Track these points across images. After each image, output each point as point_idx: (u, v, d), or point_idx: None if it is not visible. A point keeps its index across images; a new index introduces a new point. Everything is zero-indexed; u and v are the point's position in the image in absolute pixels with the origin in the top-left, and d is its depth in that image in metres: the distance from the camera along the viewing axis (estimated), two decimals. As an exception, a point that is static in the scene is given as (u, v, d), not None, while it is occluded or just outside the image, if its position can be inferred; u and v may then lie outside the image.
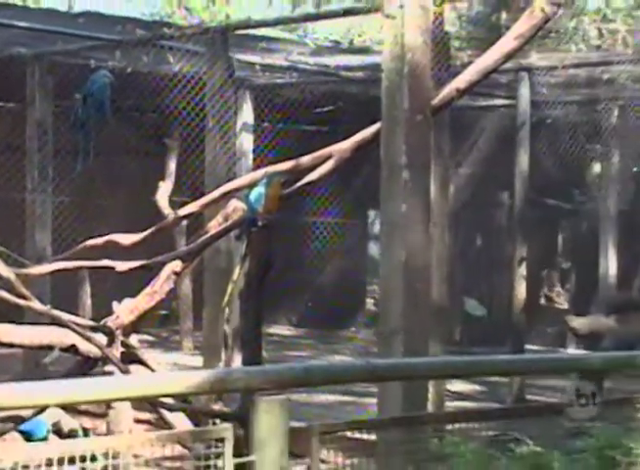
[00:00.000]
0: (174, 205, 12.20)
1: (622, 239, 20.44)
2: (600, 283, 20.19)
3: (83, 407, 9.22)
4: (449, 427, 7.00)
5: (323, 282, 22.26)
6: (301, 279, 21.24)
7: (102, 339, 9.41)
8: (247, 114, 17.21)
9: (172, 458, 6.43)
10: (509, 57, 8.77)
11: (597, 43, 19.64)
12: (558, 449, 5.94)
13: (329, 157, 9.23)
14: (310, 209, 18.86)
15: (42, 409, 8.59)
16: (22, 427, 9.13)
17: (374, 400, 7.69)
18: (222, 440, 4.76)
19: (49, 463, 4.39)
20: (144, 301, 9.86)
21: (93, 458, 4.49)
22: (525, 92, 17.61)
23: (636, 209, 21.87)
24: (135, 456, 4.85)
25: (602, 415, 6.77)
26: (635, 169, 22.86)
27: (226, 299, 10.02)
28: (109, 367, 9.19)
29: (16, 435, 9.04)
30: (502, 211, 21.23)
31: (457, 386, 13.19)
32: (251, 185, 9.87)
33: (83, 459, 4.46)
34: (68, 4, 27.83)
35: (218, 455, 4.73)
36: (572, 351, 17.22)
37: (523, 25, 8.30)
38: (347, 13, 20.32)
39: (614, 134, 21.00)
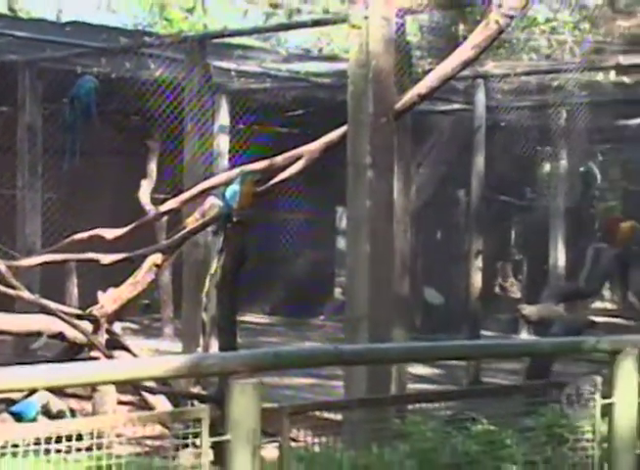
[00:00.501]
0: (155, 201, 12.18)
1: (570, 233, 20.53)
2: (550, 274, 20.27)
3: (70, 390, 9.20)
4: (410, 407, 7.01)
5: (294, 274, 22.24)
6: (274, 271, 21.22)
7: (87, 326, 9.39)
8: (223, 116, 17.20)
9: (153, 437, 6.43)
10: (466, 65, 8.77)
11: (547, 53, 19.69)
12: (510, 427, 5.95)
13: (299, 157, 9.23)
14: (283, 205, 18.81)
15: (32, 392, 8.57)
16: (13, 408, 9.11)
17: (340, 383, 7.69)
18: (199, 420, 4.75)
19: (38, 442, 4.38)
20: (127, 290, 9.84)
21: (79, 438, 4.48)
22: (481, 98, 17.65)
23: (582, 205, 21.97)
24: (118, 435, 4.84)
25: (551, 396, 6.79)
26: (582, 169, 22.95)
27: (205, 289, 10.01)
28: (94, 353, 9.16)
29: (6, 416, 9.01)
30: (460, 207, 21.25)
31: (418, 369, 13.19)
32: (227, 183, 9.86)
33: (70, 438, 4.45)
34: (56, 14, 27.71)
35: (196, 435, 4.72)
36: (524, 336, 17.26)
37: (478, 36, 8.30)
38: (317, 23, 20.35)
39: (562, 136, 21.09)
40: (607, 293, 21.90)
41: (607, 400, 6.10)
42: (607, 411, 6.08)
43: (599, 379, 6.17)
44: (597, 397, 6.11)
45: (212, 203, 9.78)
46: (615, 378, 6.17)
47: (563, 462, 6.04)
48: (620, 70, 17.75)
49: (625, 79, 18.12)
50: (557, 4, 18.88)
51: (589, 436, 6.11)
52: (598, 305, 20.56)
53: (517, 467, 5.78)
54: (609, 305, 21.13)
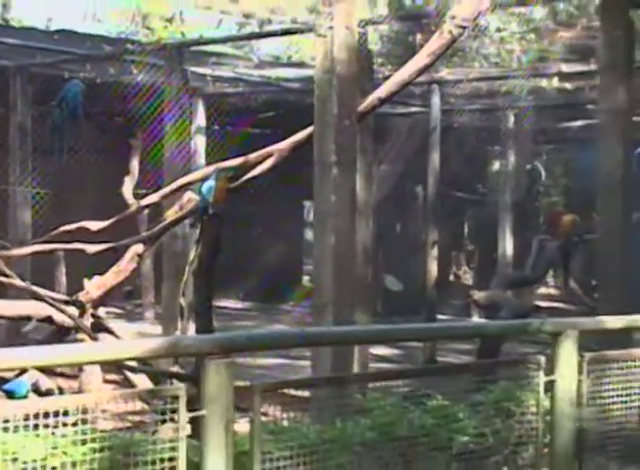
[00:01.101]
0: (137, 196, 12.16)
1: (517, 226, 20.62)
2: (498, 263, 20.34)
3: (58, 370, 9.17)
4: (371, 385, 7.02)
5: (266, 263, 22.23)
6: (248, 260, 21.20)
7: (74, 311, 9.37)
8: (200, 118, 17.18)
9: (135, 413, 6.42)
10: (422, 71, 8.77)
11: (496, 61, 19.75)
12: (462, 403, 5.97)
13: (270, 155, 9.22)
14: (255, 199, 18.77)
15: (22, 371, 8.54)
16: (5, 387, 9.07)
17: (307, 363, 7.69)
18: (177, 397, 4.74)
19: (28, 418, 4.37)
20: (111, 278, 9.82)
21: (66, 413, 4.47)
22: (436, 101, 17.69)
23: (528, 200, 22.07)
24: (103, 411, 4.83)
25: (499, 374, 6.82)
26: (528, 167, 23.04)
27: (184, 278, 9.98)
28: (80, 335, 9.14)
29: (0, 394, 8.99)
30: (417, 202, 21.28)
31: (379, 350, 13.22)
32: (204, 179, 9.84)
33: (57, 414, 4.44)
34: (45, 23, 27.58)
35: (174, 410, 4.72)
36: (476, 320, 17.31)
37: (433, 45, 8.31)
38: (286, 33, 20.33)
39: (510, 137, 21.17)
40: (550, 280, 21.97)
41: (549, 378, 6.14)
42: (549, 388, 6.13)
43: (542, 358, 6.20)
44: (541, 374, 6.15)
45: (190, 197, 9.77)
46: (556, 357, 6.21)
47: (510, 434, 6.07)
48: (563, 76, 17.81)
49: (567, 85, 18.18)
50: (506, 16, 18.93)
51: (533, 410, 6.15)
52: (542, 291, 20.64)
53: (468, 438, 5.81)
54: (552, 291, 21.22)
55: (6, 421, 4.35)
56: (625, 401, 6.71)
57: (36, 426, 4.38)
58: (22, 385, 9.28)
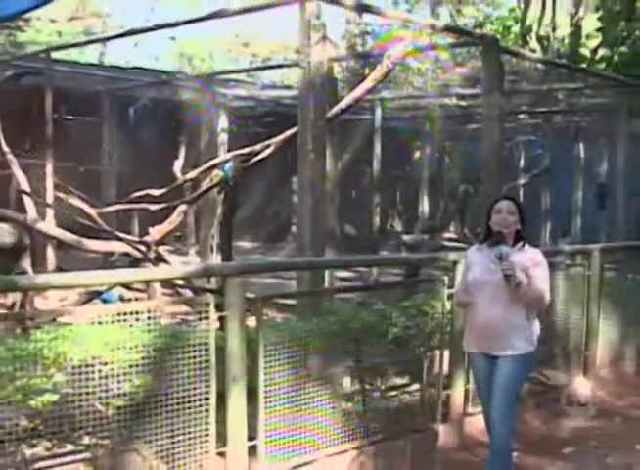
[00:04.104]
0: (183, 173, 12.11)
1: (431, 193, 20.68)
2: (419, 216, 20.39)
3: (134, 285, 9.16)
4: (336, 296, 7.06)
5: (267, 216, 22.20)
6: (255, 214, 21.16)
7: (143, 248, 9.35)
8: (223, 122, 17.07)
9: (182, 313, 6.42)
10: (369, 92, 8.72)
11: (417, 85, 19.72)
12: (395, 307, 5.99)
13: (270, 145, 9.18)
14: (260, 175, 18.67)
15: (112, 286, 8.53)
16: (102, 296, 9.08)
17: (294, 282, 7.68)
18: (208, 303, 4.76)
19: (119, 315, 4.40)
20: (166, 227, 9.78)
21: (138, 313, 4.48)
22: (378, 112, 17.64)
23: (437, 176, 22.10)
24: (162, 312, 4.84)
25: (419, 288, 6.84)
26: (437, 155, 23.08)
27: (214, 226, 9.97)
28: (146, 264, 9.12)
29: (97, 301, 8.97)
30: (366, 177, 21.23)
31: (341, 273, 13.22)
32: (226, 162, 9.81)
33: (135, 313, 4.45)
34: (124, 62, 27.42)
35: (207, 311, 4.73)
36: (404, 254, 17.34)
37: (376, 74, 8.24)
38: (280, 66, 20.16)
39: (426, 135, 21.18)
40: (452, 228, 22.01)
41: (450, 291, 6.12)
42: (450, 297, 6.12)
43: (446, 278, 6.21)
44: (444, 288, 6.15)
45: (217, 173, 9.73)
46: (454, 277, 6.19)
47: (425, 326, 6.09)
48: (460, 97, 17.80)
49: (462, 103, 18.19)
50: (422, 57, 18.89)
51: (440, 311, 6.17)
52: (447, 235, 20.66)
53: (398, 330, 5.82)
54: (453, 235, 21.23)
55: (102, 318, 4.38)
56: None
57: (123, 321, 4.40)
58: (112, 295, 9.29)
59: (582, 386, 7.64)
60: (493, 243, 4.95)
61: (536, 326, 5.08)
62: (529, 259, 4.98)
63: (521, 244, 5.05)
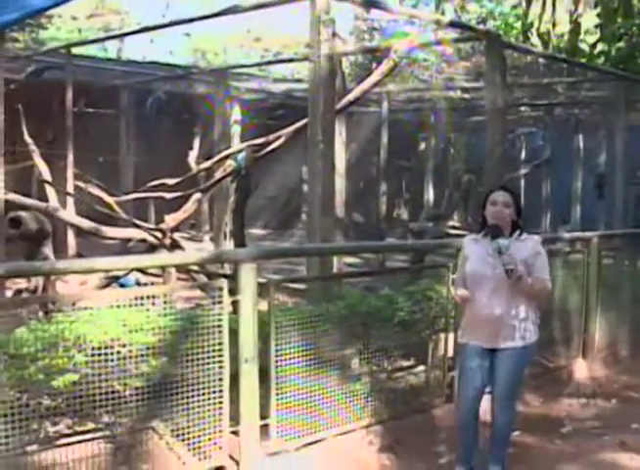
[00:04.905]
0: (197, 163, 12.13)
1: (436, 182, 20.61)
2: (424, 205, 20.35)
3: (151, 270, 9.17)
4: (345, 281, 7.05)
5: (278, 204, 22.18)
6: (267, 202, 21.15)
7: (159, 235, 9.36)
8: (236, 114, 17.05)
9: (197, 298, 6.42)
10: (376, 85, 8.70)
11: (424, 78, 19.66)
12: (401, 292, 5.99)
13: (280, 136, 9.17)
14: (271, 164, 18.68)
15: (129, 271, 8.55)
16: (120, 281, 9.10)
17: (304, 267, 7.68)
18: (222, 288, 4.75)
19: (136, 299, 4.39)
20: (181, 214, 9.80)
21: (155, 297, 4.48)
22: (385, 104, 17.62)
23: (441, 167, 22.04)
24: (177, 296, 4.85)
25: (424, 274, 6.83)
26: (442, 146, 22.96)
27: (227, 213, 9.98)
28: (162, 250, 9.14)
29: (116, 285, 8.99)
30: (373, 166, 21.18)
31: (349, 259, 13.22)
32: (239, 152, 9.81)
33: (152, 297, 4.45)
34: (141, 57, 27.42)
35: (220, 295, 4.72)
36: (410, 241, 17.31)
37: (383, 67, 8.23)
38: (291, 60, 20.14)
39: (432, 127, 21.10)
40: (456, 216, 21.97)
41: (453, 276, 6.08)
42: (453, 282, 6.07)
43: (451, 264, 6.17)
44: (449, 273, 6.13)
45: (230, 163, 9.74)
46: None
47: (430, 311, 6.08)
48: (464, 90, 17.75)
49: (466, 95, 18.13)
50: (428, 52, 18.83)
51: (444, 296, 6.16)
52: (451, 223, 20.63)
53: (404, 314, 5.82)
54: (457, 224, 21.19)
55: (120, 302, 4.39)
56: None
57: (140, 305, 4.40)
58: (129, 280, 9.31)
59: (581, 368, 7.62)
60: (491, 236, 4.72)
61: (536, 315, 4.93)
62: (529, 249, 4.80)
63: (518, 233, 4.84)
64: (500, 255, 4.63)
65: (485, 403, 5.03)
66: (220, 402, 4.67)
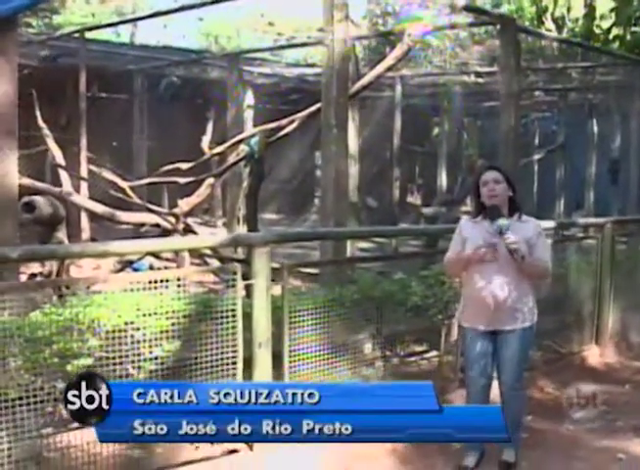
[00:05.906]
0: (211, 147, 12.12)
1: (449, 167, 20.53)
2: (437, 190, 20.28)
3: (164, 255, 9.19)
4: (358, 265, 7.04)
5: (292, 189, 22.16)
6: (280, 187, 21.14)
7: (172, 219, 9.37)
8: (249, 99, 17.03)
9: (210, 282, 6.43)
10: (389, 69, 8.66)
11: (436, 63, 19.55)
12: (414, 276, 5.96)
13: (293, 121, 9.15)
14: (284, 149, 18.63)
15: (143, 256, 8.56)
16: (134, 266, 9.13)
17: (317, 252, 7.67)
18: (235, 272, 4.75)
19: (150, 283, 4.40)
20: (194, 199, 9.81)
21: (168, 281, 4.49)
22: (399, 88, 17.55)
23: (454, 152, 21.91)
24: (191, 281, 4.85)
25: (437, 259, 6.79)
26: (456, 131, 22.90)
27: (240, 198, 9.98)
28: (176, 234, 9.15)
29: (130, 270, 9.02)
30: (386, 151, 21.13)
31: (362, 244, 13.20)
32: (251, 137, 9.79)
33: (165, 281, 4.45)
34: (155, 41, 27.36)
35: (234, 280, 4.72)
36: (422, 225, 17.27)
37: (397, 52, 8.19)
38: (304, 45, 20.08)
39: (445, 112, 20.99)
40: (469, 202, 21.88)
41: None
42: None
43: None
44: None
45: (243, 147, 9.73)
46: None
47: (443, 295, 6.03)
48: (477, 75, 17.64)
49: (480, 80, 18.02)
50: (442, 36, 18.70)
51: (457, 280, 6.11)
52: (464, 208, 20.57)
53: (417, 298, 5.81)
54: (469, 209, 21.13)
55: (134, 286, 4.39)
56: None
57: (153, 288, 4.41)
58: (143, 264, 9.33)
59: (594, 354, 7.60)
60: (491, 217, 4.63)
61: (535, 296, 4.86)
62: (531, 230, 4.74)
63: (518, 214, 4.76)
64: (501, 235, 4.57)
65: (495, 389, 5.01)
66: (234, 386, 4.67)
